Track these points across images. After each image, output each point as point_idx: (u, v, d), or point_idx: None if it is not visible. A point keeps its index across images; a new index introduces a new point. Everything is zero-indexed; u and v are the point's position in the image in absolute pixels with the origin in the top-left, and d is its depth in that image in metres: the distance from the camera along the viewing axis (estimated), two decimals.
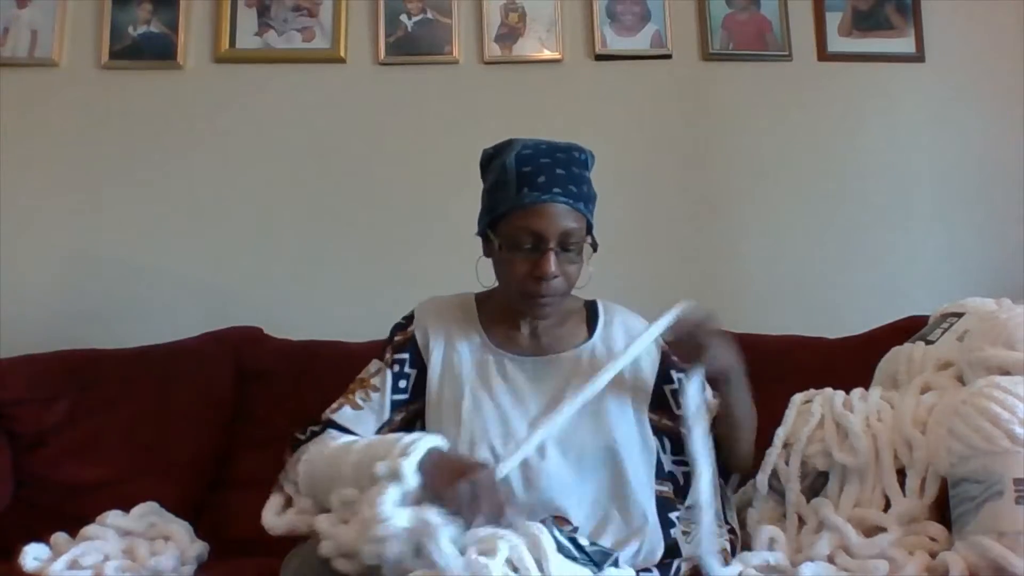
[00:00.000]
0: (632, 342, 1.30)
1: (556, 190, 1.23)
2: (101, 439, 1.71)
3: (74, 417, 1.72)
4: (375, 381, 1.32)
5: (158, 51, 2.16)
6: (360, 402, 1.30)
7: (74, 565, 1.33)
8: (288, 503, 1.27)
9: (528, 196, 1.23)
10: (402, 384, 1.32)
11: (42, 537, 1.40)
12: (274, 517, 1.21)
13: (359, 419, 1.28)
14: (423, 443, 1.10)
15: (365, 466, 1.09)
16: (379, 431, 1.28)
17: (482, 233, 1.33)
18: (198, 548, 1.47)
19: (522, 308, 1.30)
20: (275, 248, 2.14)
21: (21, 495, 1.67)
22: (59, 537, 1.41)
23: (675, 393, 1.35)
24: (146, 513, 1.49)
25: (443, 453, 1.12)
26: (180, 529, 1.47)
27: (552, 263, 1.22)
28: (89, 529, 1.42)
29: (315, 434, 1.30)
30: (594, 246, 1.30)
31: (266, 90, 2.18)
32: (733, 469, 1.41)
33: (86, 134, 2.14)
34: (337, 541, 1.04)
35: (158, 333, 1.91)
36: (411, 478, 1.04)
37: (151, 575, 1.35)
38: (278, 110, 2.18)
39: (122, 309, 2.08)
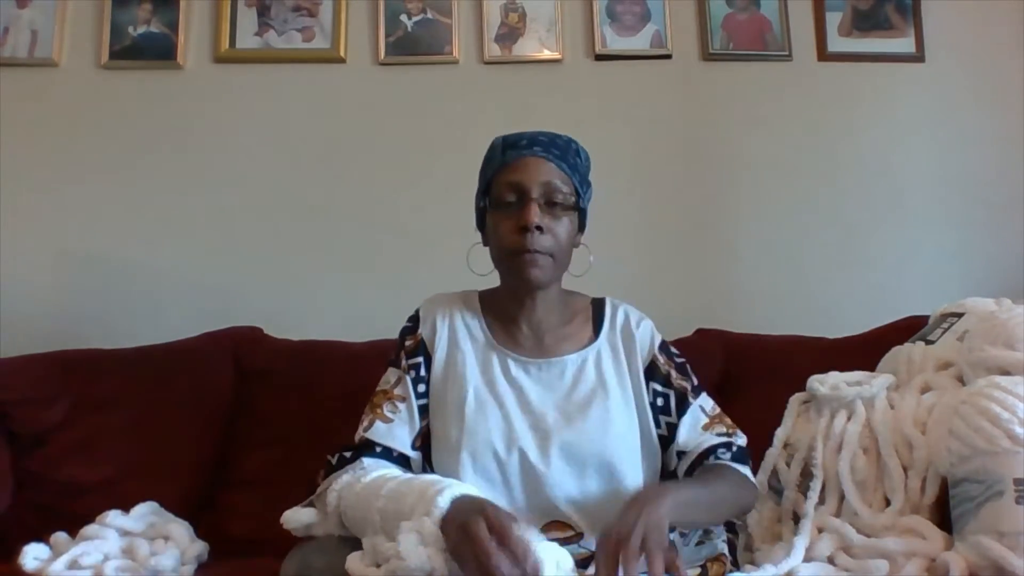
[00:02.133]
0: (631, 345, 1.33)
1: (536, 148, 1.27)
2: (101, 439, 1.70)
3: (74, 417, 1.72)
4: (398, 391, 1.29)
5: (158, 51, 2.16)
6: (390, 415, 1.27)
7: (74, 565, 1.33)
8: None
9: (510, 154, 1.27)
10: (421, 388, 1.29)
11: (42, 537, 1.40)
12: (295, 518, 1.21)
13: (391, 432, 1.25)
14: (445, 501, 1.04)
15: (391, 515, 1.07)
16: (414, 440, 1.26)
17: (478, 219, 1.34)
18: (198, 548, 1.47)
19: (514, 273, 1.26)
20: (275, 248, 2.14)
21: (21, 495, 1.67)
22: (59, 537, 1.41)
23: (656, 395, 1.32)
24: (146, 513, 1.49)
25: (467, 510, 1.02)
26: (180, 529, 1.47)
27: (534, 212, 1.22)
28: (89, 529, 1.42)
29: (345, 460, 1.24)
30: (581, 226, 1.32)
31: (266, 90, 2.18)
32: None
33: (86, 134, 2.14)
34: None
35: (158, 333, 1.91)
36: (433, 539, 1.01)
37: (151, 575, 1.35)
38: (278, 110, 2.18)
39: (122, 309, 2.08)
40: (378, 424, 1.26)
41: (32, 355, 1.79)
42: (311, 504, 1.25)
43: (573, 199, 1.27)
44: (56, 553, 1.36)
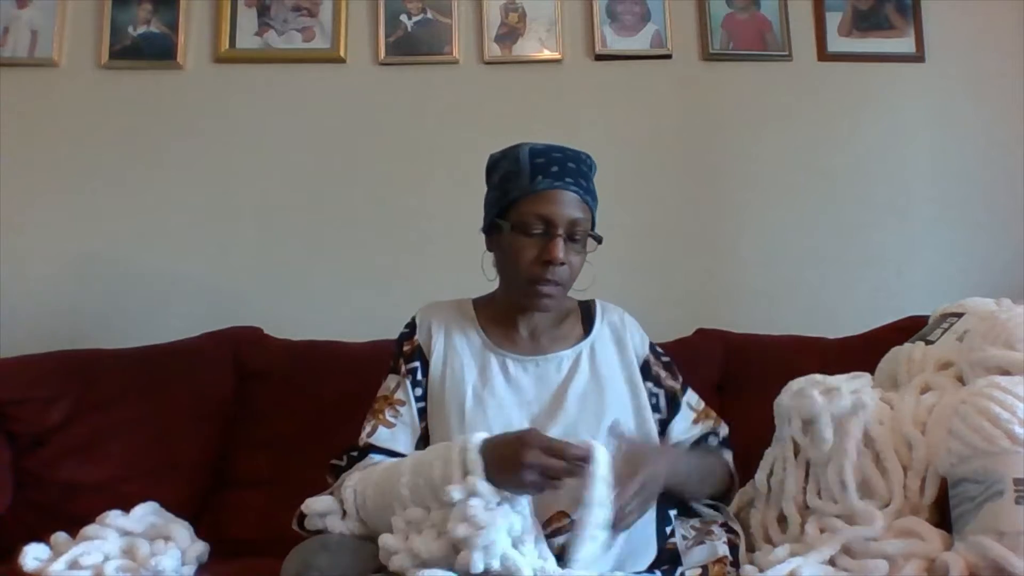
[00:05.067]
0: (624, 343, 1.39)
1: (568, 179, 1.28)
2: (101, 439, 1.70)
3: (74, 417, 1.72)
4: (399, 396, 1.33)
5: (158, 51, 2.16)
6: (392, 420, 1.31)
7: (74, 565, 1.33)
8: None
9: (542, 183, 1.27)
10: (418, 393, 1.34)
11: (42, 537, 1.40)
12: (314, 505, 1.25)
13: (395, 437, 1.30)
14: (474, 453, 1.11)
15: (422, 487, 1.13)
16: (416, 443, 1.30)
17: (489, 226, 1.36)
18: (198, 548, 1.47)
19: (525, 298, 1.31)
20: (275, 248, 2.13)
21: (21, 495, 1.67)
22: (59, 537, 1.41)
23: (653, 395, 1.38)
24: (146, 513, 1.49)
25: (493, 447, 1.12)
26: (180, 529, 1.47)
27: (560, 248, 1.26)
28: (89, 529, 1.42)
29: (353, 460, 1.30)
30: (598, 239, 1.34)
31: (266, 90, 2.18)
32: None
33: (86, 134, 2.14)
34: (412, 551, 1.08)
35: (158, 333, 1.91)
36: (488, 494, 1.08)
37: (151, 575, 1.35)
38: (278, 110, 2.18)
39: (122, 309, 2.08)
40: (381, 429, 1.31)
41: (32, 355, 1.79)
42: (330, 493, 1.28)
43: (590, 229, 1.32)
44: (56, 553, 1.36)
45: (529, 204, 1.28)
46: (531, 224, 1.27)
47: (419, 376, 1.34)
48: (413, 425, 1.31)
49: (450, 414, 1.28)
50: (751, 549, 1.32)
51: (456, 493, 1.08)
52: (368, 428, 1.32)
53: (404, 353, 1.37)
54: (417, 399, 1.33)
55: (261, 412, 1.78)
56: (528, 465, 1.07)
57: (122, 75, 2.17)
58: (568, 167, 1.29)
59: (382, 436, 1.30)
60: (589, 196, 1.31)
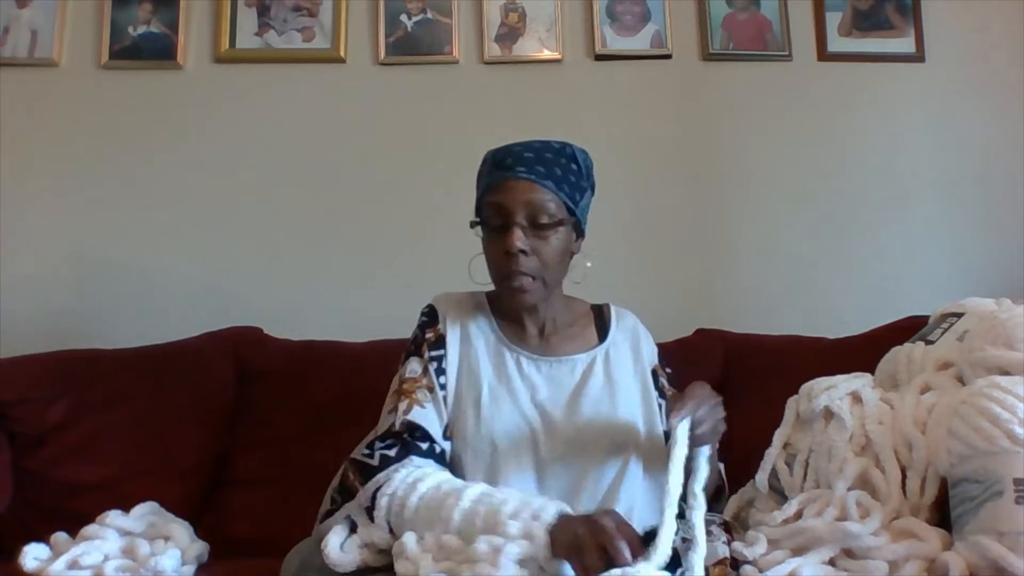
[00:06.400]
0: (639, 350, 1.37)
1: (520, 168, 1.25)
2: (101, 439, 1.71)
3: (74, 417, 1.72)
4: (425, 381, 1.29)
5: (158, 51, 2.17)
6: (424, 402, 1.26)
7: (74, 565, 1.34)
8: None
9: (494, 175, 1.27)
10: (442, 381, 1.30)
11: (42, 537, 1.40)
12: (341, 553, 1.13)
13: (427, 417, 1.24)
14: (552, 508, 1.05)
15: (482, 519, 1.05)
16: (444, 430, 1.26)
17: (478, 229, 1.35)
18: (198, 548, 1.47)
19: (504, 296, 1.30)
20: (275, 248, 2.14)
21: (21, 495, 1.67)
22: (59, 537, 1.41)
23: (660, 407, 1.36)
24: (146, 513, 1.50)
25: (571, 519, 1.04)
26: (180, 529, 1.47)
27: (517, 236, 1.22)
28: (89, 529, 1.42)
29: (388, 459, 1.20)
30: (579, 232, 1.31)
31: (266, 90, 2.19)
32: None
33: (86, 134, 2.14)
34: (417, 566, 1.03)
35: (158, 333, 1.91)
36: (540, 539, 1.01)
37: (151, 575, 1.35)
38: (278, 110, 2.18)
39: (122, 309, 2.08)
40: (415, 408, 1.25)
41: (32, 355, 1.79)
42: (335, 513, 1.20)
43: (561, 215, 1.26)
44: (56, 553, 1.36)
45: (488, 197, 1.27)
46: (491, 218, 1.26)
47: (443, 364, 1.30)
48: (440, 412, 1.26)
49: (467, 409, 1.26)
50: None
51: (513, 527, 1.01)
52: (403, 407, 1.25)
53: (428, 340, 1.32)
54: (441, 387, 1.28)
55: (261, 412, 1.78)
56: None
57: (122, 75, 2.17)
58: (524, 157, 1.26)
59: (419, 415, 1.24)
60: (551, 181, 1.25)
